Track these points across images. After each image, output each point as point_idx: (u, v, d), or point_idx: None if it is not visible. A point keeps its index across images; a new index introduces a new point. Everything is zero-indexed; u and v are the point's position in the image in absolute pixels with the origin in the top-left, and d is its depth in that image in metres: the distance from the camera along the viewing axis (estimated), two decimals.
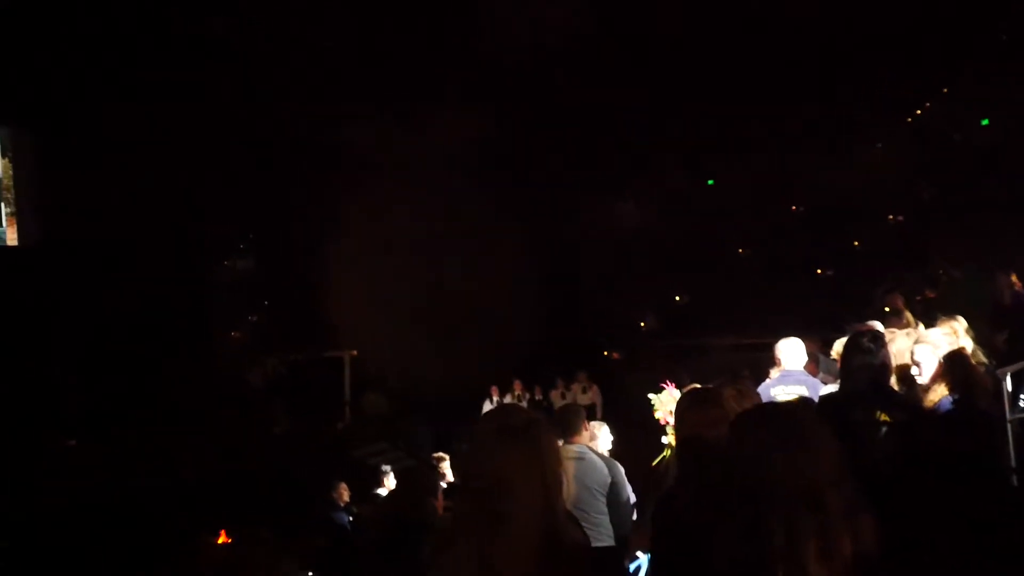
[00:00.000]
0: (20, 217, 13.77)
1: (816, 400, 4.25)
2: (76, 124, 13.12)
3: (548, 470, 1.75)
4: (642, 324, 20.20)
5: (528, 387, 14.40)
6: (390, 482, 7.88)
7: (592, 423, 6.04)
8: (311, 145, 15.25)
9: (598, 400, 13.85)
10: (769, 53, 16.06)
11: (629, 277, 18.75)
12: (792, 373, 5.01)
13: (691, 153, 18.56)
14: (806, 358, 5.35)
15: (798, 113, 17.36)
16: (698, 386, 7.50)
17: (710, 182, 20.65)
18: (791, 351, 5.19)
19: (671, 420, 7.11)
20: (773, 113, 17.24)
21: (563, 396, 13.95)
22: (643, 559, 4.93)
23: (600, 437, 5.87)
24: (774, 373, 5.39)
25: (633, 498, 5.23)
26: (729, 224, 20.09)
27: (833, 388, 4.35)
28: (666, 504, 2.50)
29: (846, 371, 3.40)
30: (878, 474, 2.41)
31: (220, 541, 8.04)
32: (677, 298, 21.23)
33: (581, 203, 18.78)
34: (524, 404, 14.21)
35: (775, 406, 3.02)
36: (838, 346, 5.01)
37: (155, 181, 13.68)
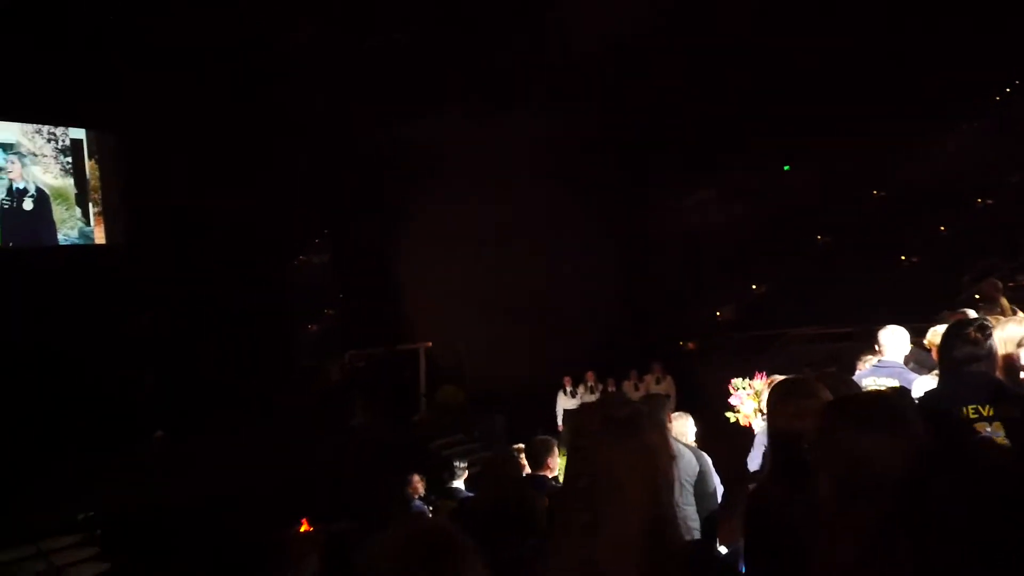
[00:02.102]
0: (107, 216, 14.25)
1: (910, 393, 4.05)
2: (159, 126, 13.49)
3: (657, 467, 1.65)
4: (718, 314, 19.87)
5: (601, 378, 14.25)
6: (465, 476, 7.86)
7: (675, 414, 5.93)
8: (386, 140, 15.38)
9: (673, 391, 13.63)
10: (847, 36, 15.58)
11: (704, 267, 18.46)
12: (888, 364, 4.75)
13: (766, 140, 18.13)
14: (909, 348, 5.04)
15: (879, 96, 16.80)
16: (778, 377, 7.29)
17: (786, 168, 20.16)
18: (894, 340, 4.85)
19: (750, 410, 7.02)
20: (852, 96, 16.72)
21: (636, 387, 13.76)
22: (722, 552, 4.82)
23: (685, 428, 5.78)
24: (866, 363, 5.16)
25: (720, 488, 5.11)
26: (807, 211, 19.58)
27: (929, 381, 4.13)
28: (758, 500, 2.40)
29: (947, 363, 3.20)
30: (987, 473, 2.26)
31: (302, 530, 8.18)
32: (754, 287, 20.81)
33: (656, 193, 18.55)
34: (597, 395, 14.08)
35: (868, 394, 2.87)
36: (933, 336, 4.74)
37: (234, 180, 13.99)
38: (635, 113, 16.55)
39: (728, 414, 7.03)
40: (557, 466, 5.62)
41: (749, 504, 2.43)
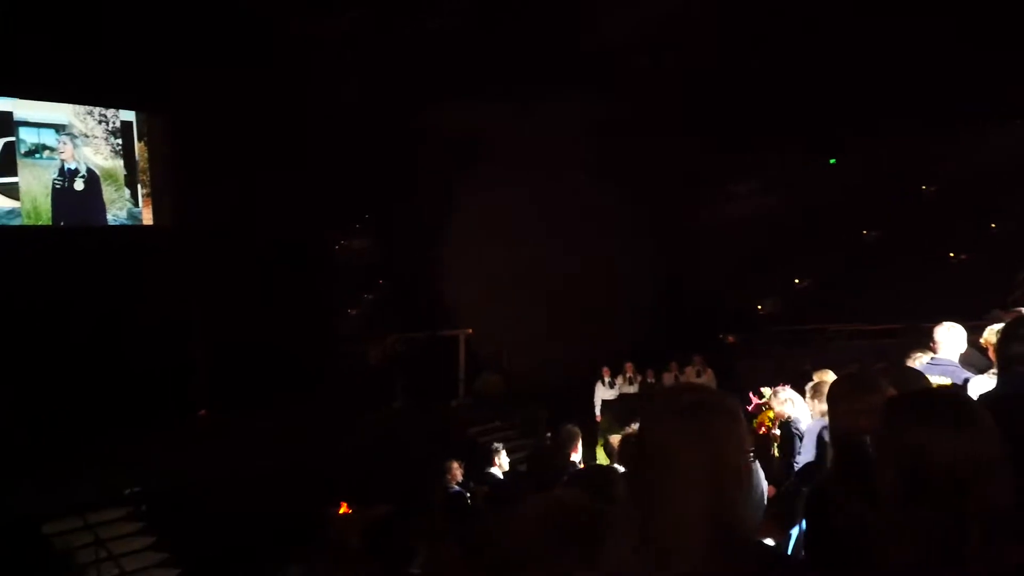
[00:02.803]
0: (155, 198, 14.47)
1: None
2: (207, 110, 13.65)
3: (721, 458, 1.58)
4: (759, 308, 19.66)
5: (640, 369, 14.19)
6: (502, 461, 7.88)
7: None
8: (429, 126, 15.41)
9: (713, 385, 13.53)
10: (898, 23, 15.25)
11: (746, 259, 18.24)
12: (941, 362, 4.63)
13: (811, 132, 17.83)
14: (965, 346, 4.91)
15: (928, 87, 16.42)
16: (826, 374, 7.19)
17: (832, 161, 19.82)
18: (951, 337, 4.71)
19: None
20: (900, 88, 16.36)
21: (676, 379, 13.68)
22: None
23: None
24: (916, 361, 5.05)
25: (765, 489, 5.04)
26: (853, 205, 19.25)
27: (986, 381, 4.03)
28: (819, 499, 2.36)
29: (1005, 363, 3.12)
30: None
31: (341, 512, 8.27)
32: (797, 282, 20.54)
33: (699, 184, 18.37)
34: (635, 387, 14.04)
35: (933, 388, 2.80)
36: (990, 334, 4.61)
37: (278, 163, 14.12)
38: (679, 102, 16.37)
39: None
40: (579, 453, 5.68)
41: (809, 503, 2.39)
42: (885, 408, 1.86)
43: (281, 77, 13.87)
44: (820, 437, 5.51)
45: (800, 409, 6.03)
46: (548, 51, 15.23)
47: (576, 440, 5.41)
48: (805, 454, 5.69)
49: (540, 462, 4.55)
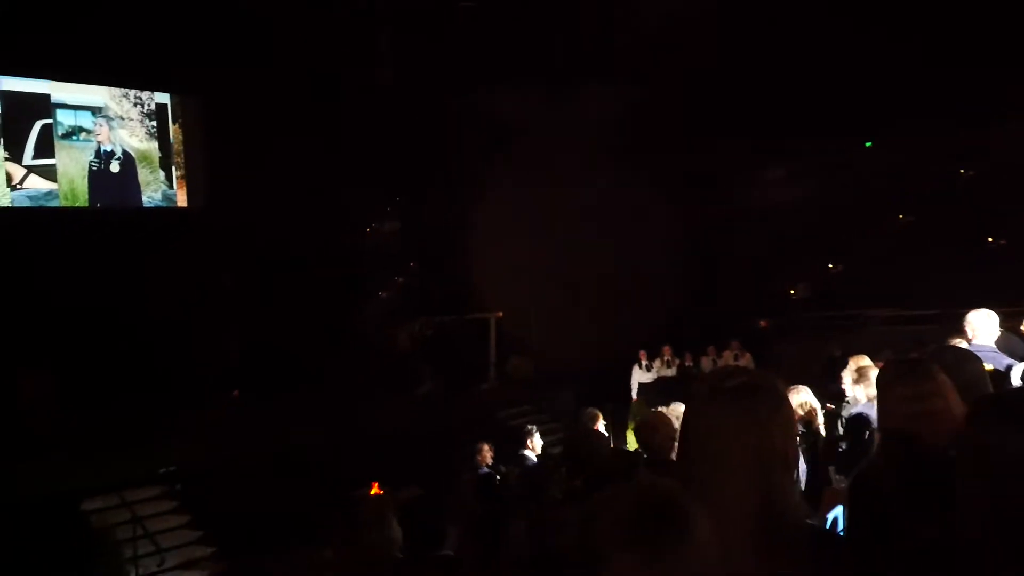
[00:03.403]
0: (189, 180, 14.60)
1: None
2: (241, 93, 13.72)
3: (767, 441, 1.53)
4: (792, 292, 19.47)
5: (678, 353, 14.11)
6: (535, 443, 7.88)
7: None
8: (458, 111, 15.39)
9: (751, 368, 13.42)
10: (931, 6, 14.96)
11: (780, 243, 18.06)
12: (980, 348, 4.55)
13: (846, 116, 17.55)
14: (999, 332, 4.83)
15: (964, 69, 16.07)
16: (862, 359, 7.09)
17: (868, 144, 19.51)
18: (985, 323, 4.66)
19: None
20: (935, 70, 16.04)
21: (714, 363, 13.60)
22: None
23: None
24: None
25: (803, 471, 5.00)
26: (888, 188, 18.95)
27: None
28: (864, 486, 2.31)
29: None
30: None
31: (372, 492, 8.33)
32: (830, 266, 20.31)
33: (732, 169, 18.18)
34: (673, 370, 13.96)
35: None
36: None
37: (311, 145, 14.17)
38: (710, 86, 16.19)
39: None
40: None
41: (852, 489, 2.34)
42: (970, 413, 1.76)
43: (315, 60, 13.90)
44: (861, 421, 5.44)
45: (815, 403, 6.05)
46: (581, 38, 15.15)
47: (597, 422, 5.44)
48: (848, 439, 5.63)
49: (576, 445, 4.53)
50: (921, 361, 2.51)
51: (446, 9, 14.31)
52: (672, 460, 4.12)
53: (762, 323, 17.48)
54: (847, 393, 6.13)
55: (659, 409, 5.85)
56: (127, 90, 13.80)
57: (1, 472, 9.45)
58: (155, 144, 14.22)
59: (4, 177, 12.41)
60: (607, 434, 5.74)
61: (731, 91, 16.25)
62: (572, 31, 14.99)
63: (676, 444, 4.18)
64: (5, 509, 8.67)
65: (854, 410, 5.74)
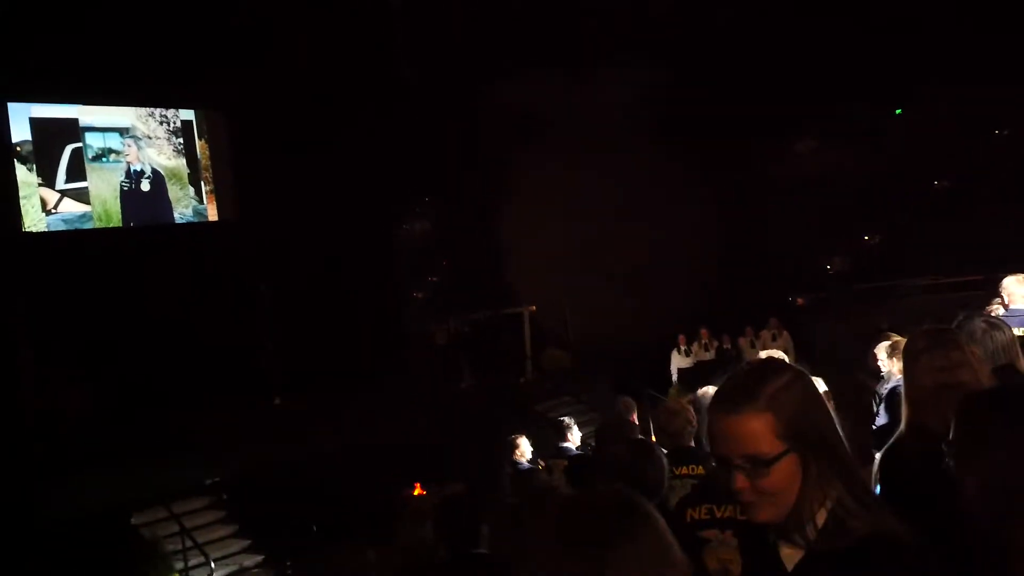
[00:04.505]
0: (218, 194, 14.76)
1: None
2: (264, 104, 13.84)
3: (799, 437, 1.51)
4: (828, 267, 19.18)
5: (716, 335, 13.98)
6: (574, 436, 7.85)
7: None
8: (484, 104, 15.36)
9: (790, 346, 13.24)
10: None
11: (813, 217, 17.79)
12: (1017, 312, 4.45)
13: (876, 82, 17.21)
14: None
15: (993, 33, 15.66)
16: (893, 335, 6.95)
17: (898, 111, 19.12)
18: (1020, 289, 4.57)
19: None
20: (970, 35, 15.66)
21: (752, 344, 13.46)
22: None
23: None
24: (993, 313, 4.84)
25: None
26: (923, 156, 18.55)
27: None
28: (894, 462, 2.26)
29: None
30: None
31: (416, 493, 8.37)
32: (866, 238, 19.96)
33: (763, 145, 17.93)
34: (711, 353, 13.85)
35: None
36: None
37: (337, 149, 14.24)
38: (738, 61, 15.97)
39: None
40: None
41: (883, 464, 2.30)
42: (965, 403, 1.70)
43: (334, 67, 13.95)
44: (897, 397, 5.33)
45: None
46: (602, 20, 15.02)
47: (632, 410, 5.41)
48: (881, 417, 5.52)
49: (607, 434, 4.51)
50: (947, 331, 2.45)
51: (473, 8, 14.27)
52: (689, 447, 4.08)
53: (799, 300, 17.26)
54: (882, 368, 6.01)
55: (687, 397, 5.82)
56: (153, 109, 13.98)
57: (51, 488, 9.65)
58: (183, 161, 14.40)
59: (39, 203, 12.64)
60: (638, 423, 5.69)
61: (758, 64, 16.01)
62: (595, 14, 14.86)
63: (694, 430, 4.14)
64: (57, 525, 8.85)
65: (888, 385, 5.63)
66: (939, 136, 18.06)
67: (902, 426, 2.39)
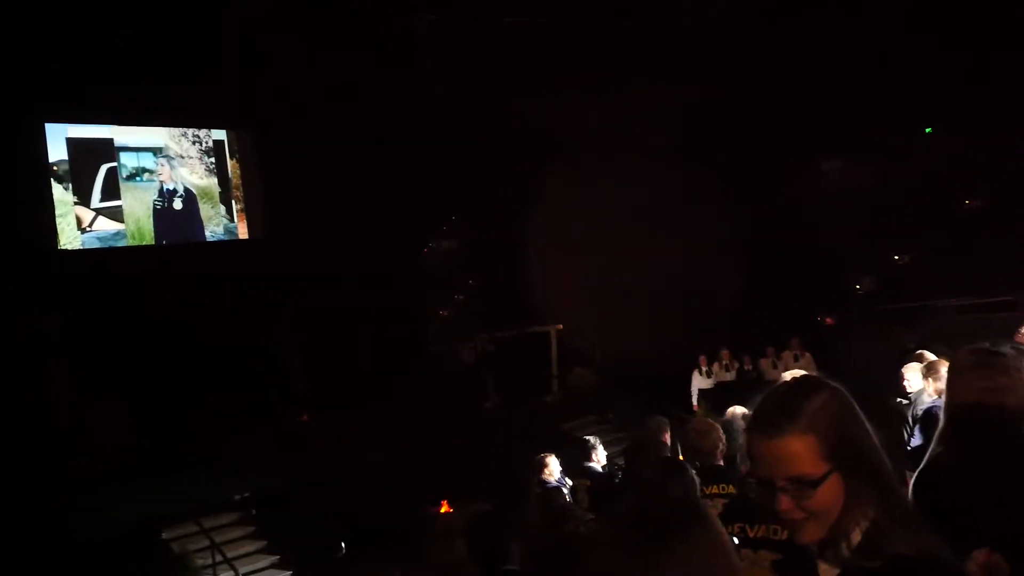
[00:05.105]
0: (249, 213, 14.95)
1: None
2: (294, 124, 14.03)
3: (841, 456, 1.51)
4: (857, 287, 19.02)
5: (737, 356, 13.91)
6: (599, 455, 7.84)
7: None
8: (512, 122, 15.45)
9: (812, 368, 13.14)
10: None
11: (841, 237, 17.67)
12: None
13: (906, 100, 17.11)
14: None
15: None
16: (926, 354, 6.91)
17: (928, 130, 18.98)
18: None
19: None
20: (1001, 52, 15.53)
21: (774, 365, 13.37)
22: None
23: None
24: None
25: None
26: (953, 174, 18.38)
27: None
28: (929, 478, 2.26)
29: None
30: None
31: (443, 510, 8.38)
32: (896, 257, 19.78)
33: (791, 163, 17.86)
34: (732, 374, 13.79)
35: None
36: None
37: (365, 172, 14.38)
38: (765, 75, 15.95)
39: None
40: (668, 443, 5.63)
41: (918, 482, 2.29)
42: None
43: (361, 83, 14.11)
44: (933, 418, 5.29)
45: None
46: (629, 35, 15.06)
47: (665, 429, 5.39)
48: (916, 439, 5.48)
49: (636, 454, 4.52)
50: (997, 353, 2.43)
51: (492, 22, 14.38)
52: (719, 466, 4.09)
53: (828, 320, 17.12)
54: (908, 388, 5.96)
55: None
56: (185, 129, 14.21)
57: (82, 504, 9.77)
58: (215, 180, 14.61)
59: (75, 221, 12.88)
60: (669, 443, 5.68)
61: (787, 81, 15.98)
62: (620, 29, 14.92)
63: (724, 449, 4.15)
64: (89, 540, 8.96)
65: (924, 406, 5.59)
66: (969, 155, 17.91)
67: (935, 444, 2.39)
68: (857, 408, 1.61)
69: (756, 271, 16.47)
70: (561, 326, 15.66)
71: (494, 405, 14.49)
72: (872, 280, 19.05)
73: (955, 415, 2.34)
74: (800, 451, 1.50)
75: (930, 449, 2.51)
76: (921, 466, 2.45)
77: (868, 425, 1.60)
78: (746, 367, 13.79)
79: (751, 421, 1.62)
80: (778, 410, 1.56)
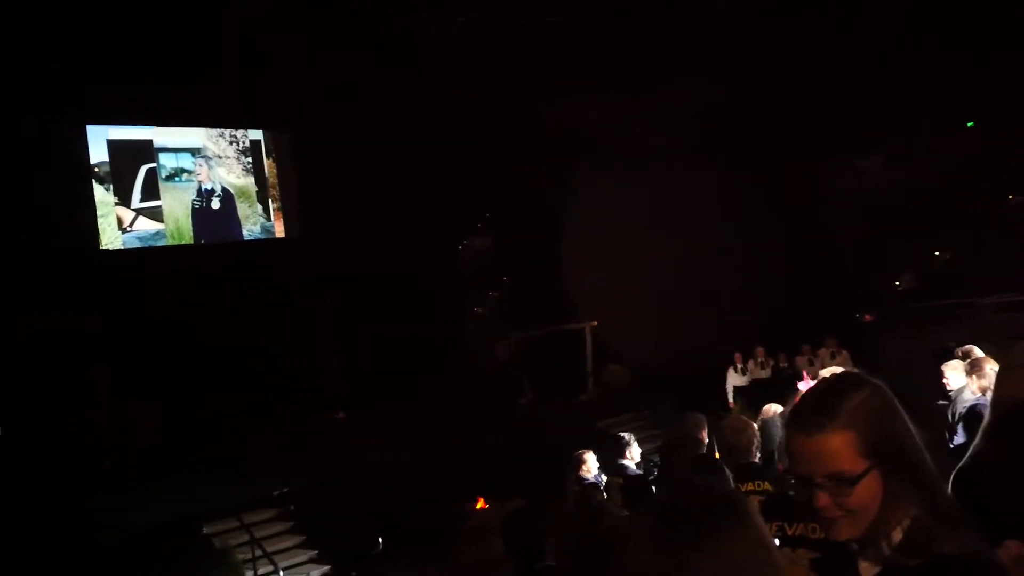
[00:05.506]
0: (285, 211, 15.13)
1: None
2: (330, 124, 14.17)
3: (881, 453, 1.51)
4: (897, 284, 18.77)
5: (772, 353, 13.80)
6: (634, 452, 7.84)
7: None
8: (545, 121, 15.47)
9: (849, 366, 12.99)
10: None
11: (881, 232, 17.45)
12: None
13: (945, 94, 16.82)
14: None
15: None
16: (973, 349, 6.82)
17: (969, 124, 18.65)
18: None
19: None
20: None
21: (811, 363, 13.24)
22: None
23: None
24: None
25: None
26: (994, 169, 18.04)
27: None
28: (971, 475, 2.24)
29: None
30: None
31: (479, 507, 8.42)
32: (936, 254, 19.49)
33: (828, 160, 17.68)
34: (767, 371, 13.68)
35: None
36: None
37: (399, 168, 14.48)
38: (800, 72, 15.77)
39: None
40: (706, 439, 5.60)
41: (958, 479, 2.28)
42: None
43: (396, 82, 14.21)
44: (977, 415, 5.22)
45: None
46: (659, 36, 15.00)
47: (703, 427, 5.38)
48: (959, 436, 5.42)
49: (672, 451, 4.52)
50: None
51: (525, 20, 14.40)
52: (754, 463, 4.08)
53: (867, 317, 16.91)
54: (948, 386, 5.89)
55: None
56: (223, 130, 14.41)
57: (125, 500, 9.96)
58: (251, 179, 14.80)
59: (115, 221, 13.12)
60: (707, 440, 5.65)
61: (823, 77, 15.79)
62: (649, 30, 14.86)
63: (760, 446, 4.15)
64: (131, 536, 9.13)
65: (967, 403, 5.53)
66: (1011, 150, 17.57)
67: (980, 440, 2.37)
68: (898, 405, 1.60)
69: (793, 268, 16.32)
70: (596, 323, 15.64)
71: (529, 403, 14.51)
72: (911, 277, 18.79)
73: (1003, 412, 2.32)
74: (839, 447, 1.50)
75: (973, 444, 2.49)
76: (963, 462, 2.44)
77: (910, 423, 1.59)
78: (781, 364, 13.68)
79: (790, 418, 1.62)
80: (818, 406, 1.56)
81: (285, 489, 10.63)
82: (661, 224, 14.93)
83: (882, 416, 1.55)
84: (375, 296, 14.15)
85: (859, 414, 1.53)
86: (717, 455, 5.05)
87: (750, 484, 3.97)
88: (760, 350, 13.76)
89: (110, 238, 13.07)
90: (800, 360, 13.56)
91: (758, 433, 4.21)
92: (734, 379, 13.70)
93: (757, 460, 4.22)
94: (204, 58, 12.43)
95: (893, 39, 15.41)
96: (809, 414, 1.56)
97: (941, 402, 6.48)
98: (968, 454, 2.44)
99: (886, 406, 1.57)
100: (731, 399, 13.59)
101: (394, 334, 13.60)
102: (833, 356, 13.27)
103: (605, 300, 14.83)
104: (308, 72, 13.47)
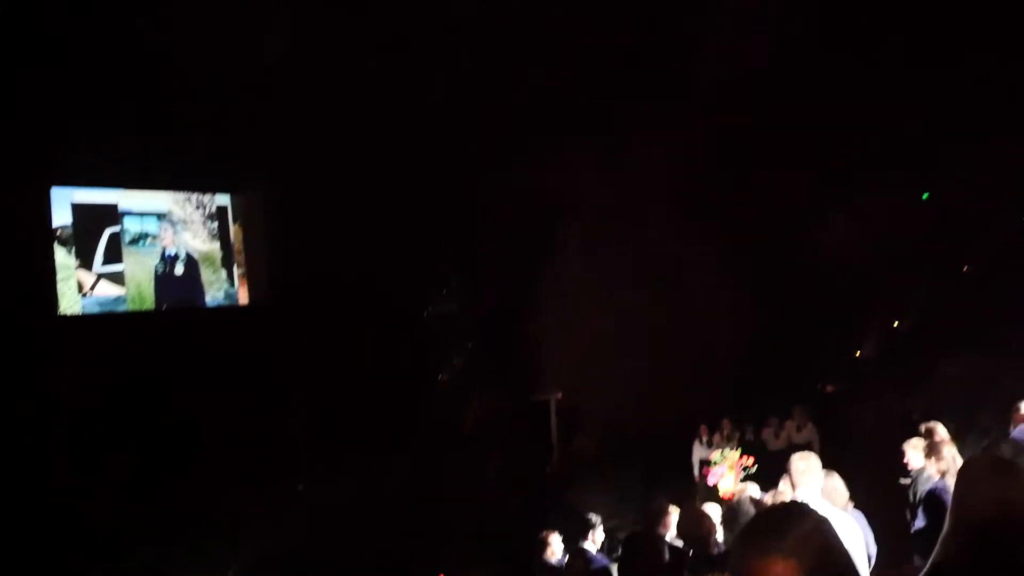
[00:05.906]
0: (250, 278, 14.99)
1: None
2: (298, 190, 14.16)
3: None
4: (858, 352, 18.94)
5: (738, 426, 13.78)
6: (598, 536, 7.67)
7: (824, 471, 5.38)
8: (508, 186, 15.59)
9: (815, 438, 13.00)
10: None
11: (842, 301, 17.65)
12: None
13: (902, 161, 17.18)
14: None
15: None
16: (935, 426, 6.85)
17: (925, 196, 19.07)
18: None
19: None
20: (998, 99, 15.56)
21: (776, 435, 13.24)
22: None
23: (837, 486, 4.94)
24: None
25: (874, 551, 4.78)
26: (951, 237, 18.37)
27: None
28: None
29: None
30: None
31: None
32: (896, 323, 19.73)
33: (788, 225, 17.93)
34: (734, 445, 13.63)
35: None
36: None
37: (367, 233, 14.46)
38: (764, 144, 16.08)
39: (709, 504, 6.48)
40: (671, 529, 5.49)
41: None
42: None
43: (365, 157, 14.28)
44: (936, 500, 5.20)
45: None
46: (631, 97, 15.24)
47: (665, 515, 5.30)
48: (919, 520, 5.39)
49: (634, 545, 4.45)
50: (1011, 463, 2.43)
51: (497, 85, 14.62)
52: (712, 554, 4.04)
53: (828, 388, 17.01)
54: (910, 464, 5.90)
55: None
56: (190, 194, 14.33)
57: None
58: (217, 244, 14.69)
59: (76, 285, 12.90)
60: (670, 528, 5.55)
61: (789, 143, 16.07)
62: (622, 91, 15.13)
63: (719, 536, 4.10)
64: None
65: (926, 486, 5.53)
66: (971, 212, 17.81)
67: (939, 551, 2.32)
68: (839, 538, 1.75)
69: (758, 336, 16.41)
70: (561, 394, 15.56)
71: (494, 475, 14.33)
72: (873, 345, 18.99)
73: (962, 524, 2.30)
74: (780, 574, 1.64)
75: (933, 556, 2.47)
76: (932, 562, 2.41)
77: (848, 554, 1.75)
78: (748, 437, 13.64)
79: (741, 537, 1.80)
80: (766, 531, 1.72)
81: (239, 565, 10.35)
82: (625, 293, 15.00)
83: (823, 548, 1.70)
84: (340, 363, 14.00)
85: (802, 545, 1.67)
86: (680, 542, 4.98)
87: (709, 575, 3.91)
88: (726, 422, 13.73)
89: (69, 302, 12.82)
90: (767, 432, 13.54)
91: (715, 524, 4.18)
92: (700, 452, 13.63)
93: (718, 549, 4.17)
94: (173, 120, 12.45)
95: (859, 111, 15.75)
96: (757, 536, 1.73)
97: (903, 480, 6.50)
98: (927, 567, 2.41)
99: (827, 538, 1.72)
100: (696, 473, 13.49)
101: (359, 403, 13.44)
102: (799, 429, 13.25)
103: (571, 370, 14.79)
104: (278, 136, 13.48)
